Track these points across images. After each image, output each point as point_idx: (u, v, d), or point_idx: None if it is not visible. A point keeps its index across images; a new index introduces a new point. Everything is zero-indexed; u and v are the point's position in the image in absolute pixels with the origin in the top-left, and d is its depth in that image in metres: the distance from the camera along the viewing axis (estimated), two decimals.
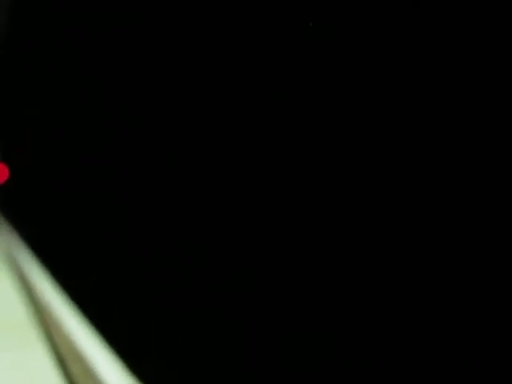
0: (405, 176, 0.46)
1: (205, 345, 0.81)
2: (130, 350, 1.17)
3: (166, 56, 1.04)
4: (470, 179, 0.42)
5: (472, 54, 0.43)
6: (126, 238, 1.24)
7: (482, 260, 0.40)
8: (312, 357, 0.54)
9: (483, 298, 0.39)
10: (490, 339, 0.38)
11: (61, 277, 2.19)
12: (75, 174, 1.94)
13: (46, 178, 2.68)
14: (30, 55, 3.41)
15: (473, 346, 0.39)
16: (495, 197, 0.40)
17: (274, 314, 0.63)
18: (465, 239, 0.41)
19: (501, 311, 0.38)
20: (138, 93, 1.19)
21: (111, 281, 1.36)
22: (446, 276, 0.42)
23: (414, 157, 0.47)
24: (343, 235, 0.53)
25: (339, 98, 0.52)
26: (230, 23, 0.74)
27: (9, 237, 4.23)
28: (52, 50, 2.67)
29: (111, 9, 1.44)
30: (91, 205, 1.63)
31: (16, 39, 4.19)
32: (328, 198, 0.56)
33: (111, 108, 1.45)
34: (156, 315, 1.03)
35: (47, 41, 2.84)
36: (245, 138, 0.72)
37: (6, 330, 1.97)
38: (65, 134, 2.18)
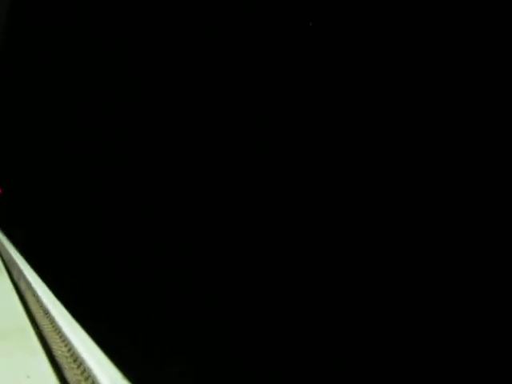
0: (403, 174, 0.46)
1: (200, 351, 0.80)
2: (125, 355, 1.16)
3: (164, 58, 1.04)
4: (466, 178, 0.42)
5: (469, 55, 0.43)
6: (118, 242, 1.23)
7: (477, 259, 0.40)
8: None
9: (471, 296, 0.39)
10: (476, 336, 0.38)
11: (57, 282, 2.18)
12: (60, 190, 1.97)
13: (36, 191, 2.73)
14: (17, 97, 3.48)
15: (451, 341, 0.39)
16: (493, 198, 0.40)
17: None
18: (457, 236, 0.41)
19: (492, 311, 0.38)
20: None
21: (107, 285, 1.36)
22: (441, 273, 0.42)
23: (412, 156, 0.47)
24: (341, 239, 0.53)
25: (339, 98, 0.52)
26: (230, 23, 0.74)
27: (4, 243, 4.20)
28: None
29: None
30: (77, 214, 1.64)
31: None
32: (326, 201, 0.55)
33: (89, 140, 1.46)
34: (150, 319, 1.03)
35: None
36: (243, 139, 0.71)
37: (2, 336, 1.96)
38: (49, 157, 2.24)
